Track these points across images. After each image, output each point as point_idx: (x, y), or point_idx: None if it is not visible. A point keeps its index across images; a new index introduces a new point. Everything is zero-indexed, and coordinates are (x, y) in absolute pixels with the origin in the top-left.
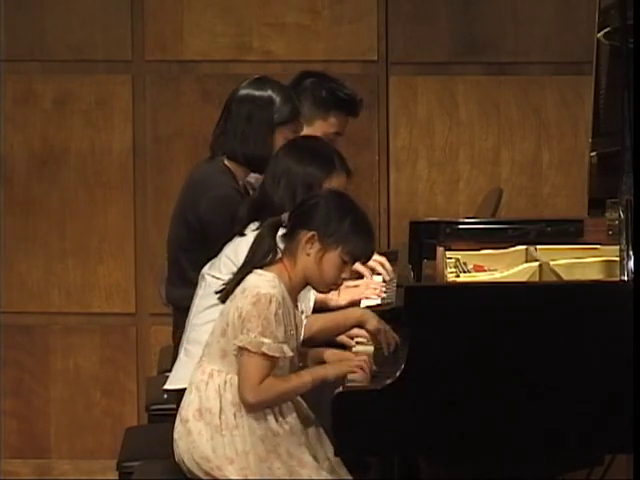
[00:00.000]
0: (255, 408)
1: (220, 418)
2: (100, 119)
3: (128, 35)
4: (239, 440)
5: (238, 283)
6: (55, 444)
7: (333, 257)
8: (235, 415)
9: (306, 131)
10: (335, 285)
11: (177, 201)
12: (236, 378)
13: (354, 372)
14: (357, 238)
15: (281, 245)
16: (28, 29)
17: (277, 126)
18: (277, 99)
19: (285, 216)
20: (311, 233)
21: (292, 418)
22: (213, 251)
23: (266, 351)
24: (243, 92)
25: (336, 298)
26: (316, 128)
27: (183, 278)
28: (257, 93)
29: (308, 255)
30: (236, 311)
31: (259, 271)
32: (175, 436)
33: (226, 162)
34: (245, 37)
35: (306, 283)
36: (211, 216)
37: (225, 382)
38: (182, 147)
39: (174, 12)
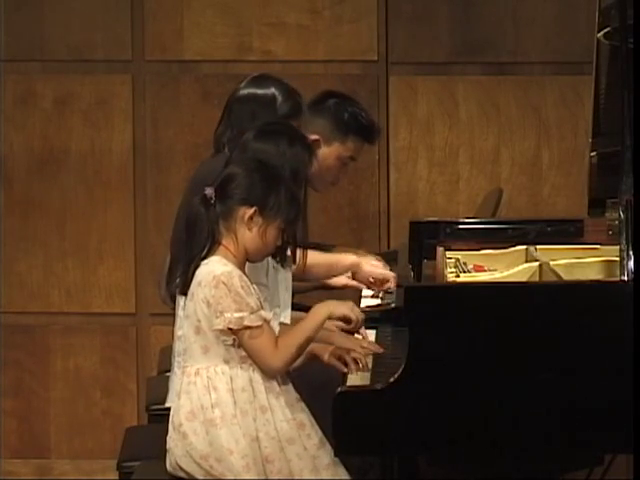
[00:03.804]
0: (283, 370)
1: (214, 412)
2: (100, 119)
3: (128, 35)
4: (238, 429)
5: (194, 271)
6: (55, 444)
7: (274, 228)
8: (232, 402)
9: (323, 150)
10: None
11: (182, 197)
12: (226, 366)
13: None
14: (293, 205)
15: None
16: (28, 29)
17: None
18: (279, 96)
19: (211, 191)
20: (252, 209)
21: (284, 397)
22: None
23: (248, 324)
24: (245, 91)
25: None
26: (332, 149)
27: None
28: (259, 91)
29: (250, 230)
30: (202, 303)
31: (204, 261)
32: (170, 444)
33: None
34: (245, 37)
35: (247, 256)
36: None
37: (216, 373)
38: (182, 147)
39: (174, 12)
